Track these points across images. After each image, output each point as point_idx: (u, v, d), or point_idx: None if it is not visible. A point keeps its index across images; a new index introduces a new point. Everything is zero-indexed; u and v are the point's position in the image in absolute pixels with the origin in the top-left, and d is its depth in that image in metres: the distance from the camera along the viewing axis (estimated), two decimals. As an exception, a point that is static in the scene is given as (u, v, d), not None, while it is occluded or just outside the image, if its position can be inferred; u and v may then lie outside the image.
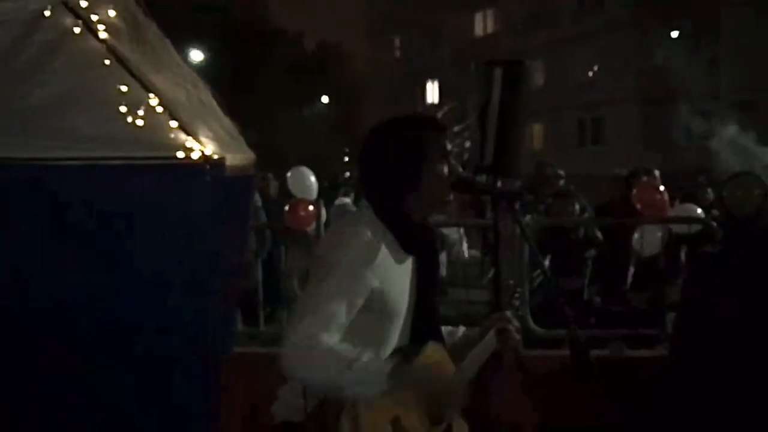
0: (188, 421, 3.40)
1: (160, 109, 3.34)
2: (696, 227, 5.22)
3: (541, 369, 4.10)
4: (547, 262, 5.58)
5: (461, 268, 9.52)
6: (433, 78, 38.85)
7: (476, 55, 25.17)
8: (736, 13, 23.88)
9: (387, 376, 1.95)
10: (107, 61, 3.31)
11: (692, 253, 5.19)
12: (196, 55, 23.37)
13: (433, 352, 2.12)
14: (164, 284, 3.28)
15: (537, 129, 31.19)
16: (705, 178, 8.77)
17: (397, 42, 41.61)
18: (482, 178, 3.30)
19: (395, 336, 2.15)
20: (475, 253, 10.71)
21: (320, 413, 2.01)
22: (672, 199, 6.24)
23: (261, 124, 22.54)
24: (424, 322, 2.19)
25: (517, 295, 2.50)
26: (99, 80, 3.33)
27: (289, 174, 7.61)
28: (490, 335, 2.25)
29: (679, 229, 5.38)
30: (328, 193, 10.21)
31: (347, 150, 30.07)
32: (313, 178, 7.44)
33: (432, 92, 39.39)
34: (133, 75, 3.33)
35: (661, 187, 5.94)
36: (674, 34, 25.87)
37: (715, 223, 4.72)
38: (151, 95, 3.34)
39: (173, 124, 3.36)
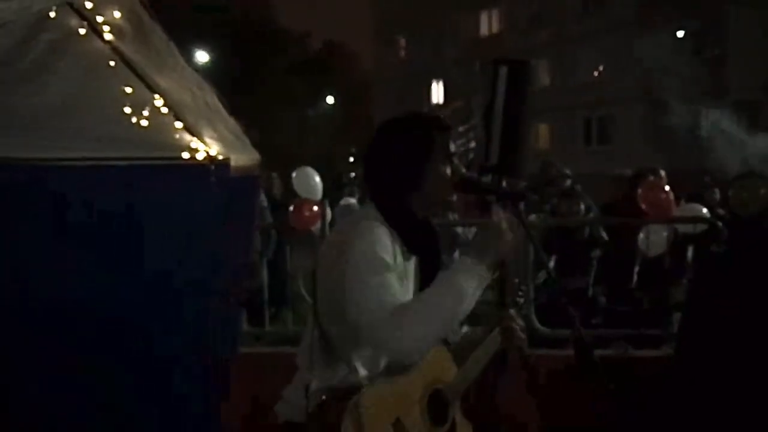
0: (188, 421, 3.41)
1: (165, 110, 3.35)
2: (701, 227, 5.19)
3: (545, 368, 4.10)
4: (552, 262, 5.56)
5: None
6: (438, 78, 38.79)
7: (481, 55, 25.17)
8: (742, 13, 23.81)
9: (465, 267, 2.04)
10: (112, 62, 3.31)
11: (698, 252, 5.17)
12: (202, 56, 23.40)
13: (435, 351, 2.12)
14: (166, 284, 3.29)
15: (542, 129, 31.13)
16: (710, 178, 8.73)
17: (402, 42, 41.52)
18: (487, 178, 3.30)
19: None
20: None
21: (322, 414, 2.00)
22: (677, 198, 6.21)
23: (266, 124, 22.57)
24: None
25: (521, 294, 2.49)
26: (104, 81, 3.33)
27: (293, 174, 7.58)
28: (495, 334, 2.26)
29: (684, 228, 5.36)
30: (332, 193, 10.18)
31: (353, 150, 30.02)
32: (317, 178, 7.41)
33: (437, 92, 39.33)
34: (138, 76, 3.33)
35: (667, 187, 5.91)
36: (680, 33, 25.78)
37: (720, 223, 4.70)
38: (156, 96, 3.34)
39: (178, 125, 3.36)
